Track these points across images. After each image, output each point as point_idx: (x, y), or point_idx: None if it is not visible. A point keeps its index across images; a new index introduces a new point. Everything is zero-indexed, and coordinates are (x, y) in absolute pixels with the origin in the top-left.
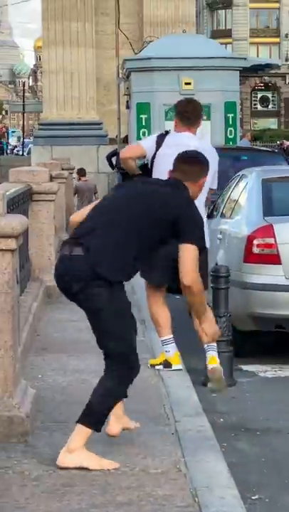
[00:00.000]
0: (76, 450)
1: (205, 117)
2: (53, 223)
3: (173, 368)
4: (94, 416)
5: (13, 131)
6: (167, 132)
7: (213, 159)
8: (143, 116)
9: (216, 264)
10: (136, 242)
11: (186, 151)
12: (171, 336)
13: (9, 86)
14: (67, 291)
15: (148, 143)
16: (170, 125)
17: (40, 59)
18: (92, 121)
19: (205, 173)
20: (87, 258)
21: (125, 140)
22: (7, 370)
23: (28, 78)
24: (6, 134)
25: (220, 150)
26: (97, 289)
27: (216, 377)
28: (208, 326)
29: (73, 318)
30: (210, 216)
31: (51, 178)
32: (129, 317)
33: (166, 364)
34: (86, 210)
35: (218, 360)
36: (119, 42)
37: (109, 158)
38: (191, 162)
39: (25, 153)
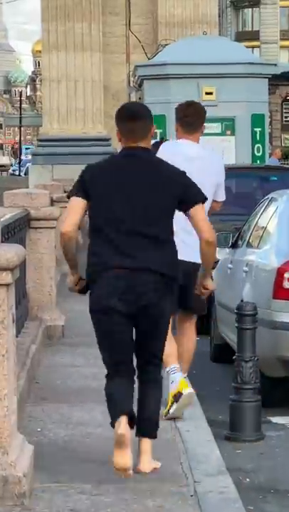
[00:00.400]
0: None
1: (229, 132)
2: (54, 253)
3: (184, 392)
4: (157, 426)
5: (27, 148)
6: (162, 140)
7: (217, 169)
8: (158, 131)
9: (241, 301)
10: None
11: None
12: (177, 365)
13: (4, 96)
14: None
15: None
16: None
17: (39, 65)
18: (99, 137)
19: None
20: None
21: None
22: (1, 423)
23: (26, 87)
24: (18, 150)
25: (246, 169)
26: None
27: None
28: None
29: (77, 362)
30: (234, 245)
31: (52, 202)
32: None
33: (177, 396)
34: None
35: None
36: (130, 45)
37: None
38: (132, 119)
39: (22, 174)
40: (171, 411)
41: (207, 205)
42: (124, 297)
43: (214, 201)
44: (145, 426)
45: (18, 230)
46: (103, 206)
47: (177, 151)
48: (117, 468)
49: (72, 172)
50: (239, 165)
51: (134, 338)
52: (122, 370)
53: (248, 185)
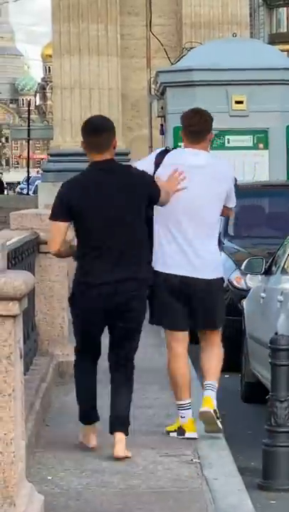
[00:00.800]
0: None
1: (261, 146)
2: (66, 281)
3: (186, 435)
4: (128, 423)
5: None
6: (167, 150)
7: (225, 175)
8: (182, 144)
9: (276, 334)
10: None
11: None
12: (190, 400)
13: (10, 106)
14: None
15: (144, 165)
16: (216, 154)
17: (49, 71)
18: (117, 151)
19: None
20: None
21: None
22: (8, 470)
23: (35, 95)
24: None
25: (280, 187)
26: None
27: (208, 421)
28: None
29: None
30: (268, 272)
31: None
32: None
33: (180, 431)
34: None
35: (214, 402)
36: (151, 49)
37: None
38: (94, 133)
39: (30, 192)
40: (171, 434)
41: (217, 211)
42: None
43: (225, 207)
44: (118, 423)
45: (26, 255)
46: (93, 227)
47: (180, 160)
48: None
49: None
50: (273, 182)
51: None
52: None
53: (283, 205)
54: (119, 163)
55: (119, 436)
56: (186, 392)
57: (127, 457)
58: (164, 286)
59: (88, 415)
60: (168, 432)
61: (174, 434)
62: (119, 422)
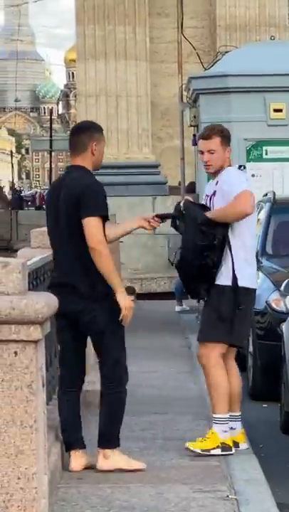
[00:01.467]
0: None
1: None
2: None
3: (240, 447)
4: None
5: None
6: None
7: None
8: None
9: None
10: None
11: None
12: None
13: (31, 114)
14: None
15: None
16: (253, 167)
17: (73, 77)
18: (146, 163)
19: (92, 137)
20: None
21: (191, 189)
22: (29, 508)
23: (57, 103)
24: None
25: None
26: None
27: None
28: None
29: (120, 435)
30: None
31: None
32: None
33: (226, 447)
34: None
35: (219, 440)
36: (183, 53)
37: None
38: (73, 132)
39: None
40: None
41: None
42: None
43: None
44: (99, 439)
45: (48, 276)
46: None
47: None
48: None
49: (114, 205)
50: None
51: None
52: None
53: None
54: (78, 173)
55: (97, 450)
56: (239, 403)
57: (102, 470)
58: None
59: None
60: (204, 450)
61: (217, 451)
62: (99, 439)
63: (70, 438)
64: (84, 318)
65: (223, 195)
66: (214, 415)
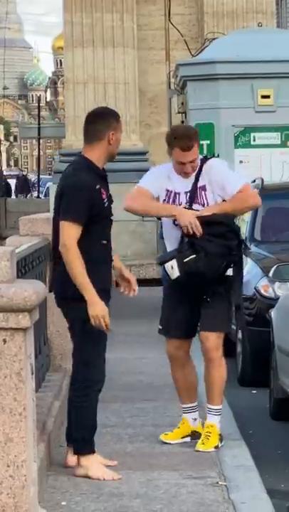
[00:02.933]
0: None
1: None
2: None
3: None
4: (75, 441)
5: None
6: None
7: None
8: (204, 143)
9: None
10: None
11: None
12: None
13: (19, 102)
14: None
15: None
16: (241, 153)
17: (61, 64)
18: (134, 150)
19: (110, 126)
20: None
21: None
22: (19, 495)
23: (45, 91)
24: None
25: None
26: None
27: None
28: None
29: (109, 422)
30: None
31: None
32: None
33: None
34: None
35: (218, 432)
36: (171, 40)
37: None
38: (89, 120)
39: (41, 195)
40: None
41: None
42: None
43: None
44: (73, 445)
45: (37, 263)
46: None
47: None
48: None
49: None
50: None
51: None
52: None
53: None
54: (74, 166)
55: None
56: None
57: (69, 466)
58: None
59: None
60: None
61: (188, 439)
62: (73, 445)
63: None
64: (64, 309)
65: (222, 187)
66: (216, 407)
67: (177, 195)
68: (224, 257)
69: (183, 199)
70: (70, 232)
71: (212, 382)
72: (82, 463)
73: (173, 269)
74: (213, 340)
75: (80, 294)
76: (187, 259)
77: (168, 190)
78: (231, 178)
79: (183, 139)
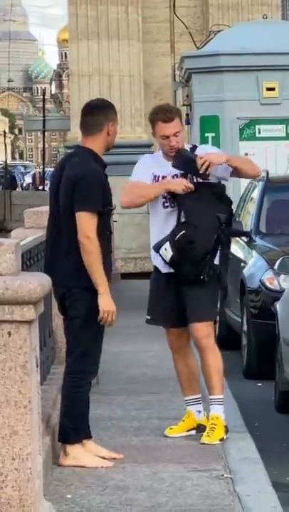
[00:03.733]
0: None
1: None
2: None
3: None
4: (63, 431)
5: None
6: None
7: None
8: (209, 135)
9: None
10: None
11: None
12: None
13: (24, 95)
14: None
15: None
16: (246, 146)
17: (66, 57)
18: (139, 143)
19: (109, 117)
20: None
21: None
22: (24, 488)
23: (50, 83)
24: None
25: None
26: None
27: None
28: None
29: (114, 415)
30: None
31: None
32: None
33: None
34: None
35: (223, 423)
36: (176, 32)
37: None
38: (88, 111)
39: (46, 188)
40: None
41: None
42: None
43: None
44: (58, 433)
45: (42, 256)
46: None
47: None
48: None
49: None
50: None
51: None
52: None
53: None
54: (81, 158)
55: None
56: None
57: (60, 465)
58: None
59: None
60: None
61: (193, 432)
62: (58, 431)
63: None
64: (66, 302)
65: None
66: (218, 396)
67: (164, 179)
68: (215, 230)
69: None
70: (90, 222)
71: (208, 371)
72: (71, 452)
73: (166, 250)
74: (203, 329)
75: (88, 286)
76: (178, 235)
77: (155, 175)
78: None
79: (163, 112)
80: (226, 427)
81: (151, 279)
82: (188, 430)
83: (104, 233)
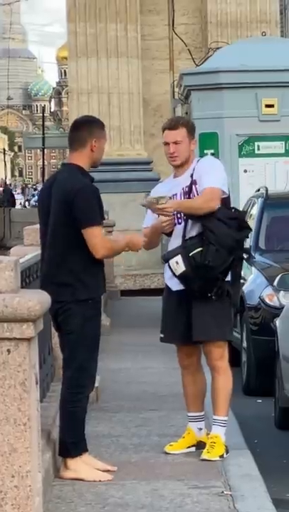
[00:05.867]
0: None
1: None
2: None
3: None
4: (63, 445)
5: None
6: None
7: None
8: (208, 152)
9: None
10: None
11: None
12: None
13: (23, 112)
14: None
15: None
16: (245, 162)
17: (65, 74)
18: (139, 160)
19: (93, 133)
20: None
21: None
22: (23, 505)
23: (49, 101)
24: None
25: None
26: None
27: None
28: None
29: (114, 432)
30: None
31: None
32: None
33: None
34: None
35: (223, 443)
36: (175, 50)
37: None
38: (73, 127)
39: None
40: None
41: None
42: None
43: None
44: (59, 447)
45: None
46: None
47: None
48: None
49: (107, 202)
50: None
51: None
52: None
53: None
54: (70, 173)
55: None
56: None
57: (61, 477)
58: None
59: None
60: (206, 460)
61: (193, 449)
62: (59, 446)
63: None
64: (59, 318)
65: (199, 180)
66: (222, 418)
67: (174, 197)
68: (233, 250)
69: (180, 197)
70: (100, 237)
71: (217, 393)
72: (71, 466)
73: (178, 264)
74: (216, 351)
75: (81, 299)
76: (193, 252)
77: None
78: (209, 176)
79: (170, 120)
80: (226, 446)
81: (163, 297)
82: (189, 447)
83: None
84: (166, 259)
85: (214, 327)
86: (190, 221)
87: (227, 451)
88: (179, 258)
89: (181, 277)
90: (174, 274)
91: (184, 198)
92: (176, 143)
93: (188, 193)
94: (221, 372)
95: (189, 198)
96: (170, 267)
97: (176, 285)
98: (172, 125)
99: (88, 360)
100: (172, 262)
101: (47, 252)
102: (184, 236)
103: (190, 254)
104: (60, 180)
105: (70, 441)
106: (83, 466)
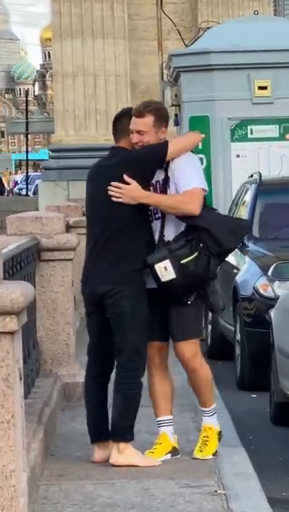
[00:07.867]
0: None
1: (288, 136)
2: (71, 292)
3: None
4: (119, 430)
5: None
6: None
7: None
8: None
9: None
10: None
11: None
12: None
13: (6, 96)
14: None
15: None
16: (238, 147)
17: (49, 56)
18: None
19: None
20: None
21: None
22: (7, 506)
23: (33, 84)
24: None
25: None
26: None
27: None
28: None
29: None
30: None
31: (68, 228)
32: None
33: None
34: None
35: (216, 434)
36: (163, 30)
37: None
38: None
39: (30, 193)
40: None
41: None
42: None
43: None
44: (112, 432)
45: (25, 264)
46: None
47: None
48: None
49: None
50: None
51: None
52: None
53: None
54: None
55: (112, 444)
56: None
57: (113, 465)
58: None
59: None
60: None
61: (168, 456)
62: (112, 430)
63: (95, 429)
64: (108, 301)
65: (177, 179)
66: (210, 408)
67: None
68: (223, 255)
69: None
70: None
71: (199, 388)
72: (125, 451)
73: (167, 270)
74: (188, 349)
75: (132, 282)
76: (186, 259)
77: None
78: (187, 175)
79: (138, 106)
80: (219, 433)
81: None
82: (166, 453)
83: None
84: (152, 263)
85: (193, 325)
86: (168, 217)
87: (220, 438)
88: (167, 264)
89: (166, 284)
90: (157, 278)
91: (159, 193)
92: (139, 132)
93: (163, 188)
94: (198, 369)
95: (165, 193)
96: (155, 271)
97: (151, 283)
98: (138, 112)
99: (140, 343)
100: (159, 266)
101: (98, 237)
102: (161, 233)
103: (182, 262)
104: (117, 157)
105: (128, 425)
106: (135, 452)
